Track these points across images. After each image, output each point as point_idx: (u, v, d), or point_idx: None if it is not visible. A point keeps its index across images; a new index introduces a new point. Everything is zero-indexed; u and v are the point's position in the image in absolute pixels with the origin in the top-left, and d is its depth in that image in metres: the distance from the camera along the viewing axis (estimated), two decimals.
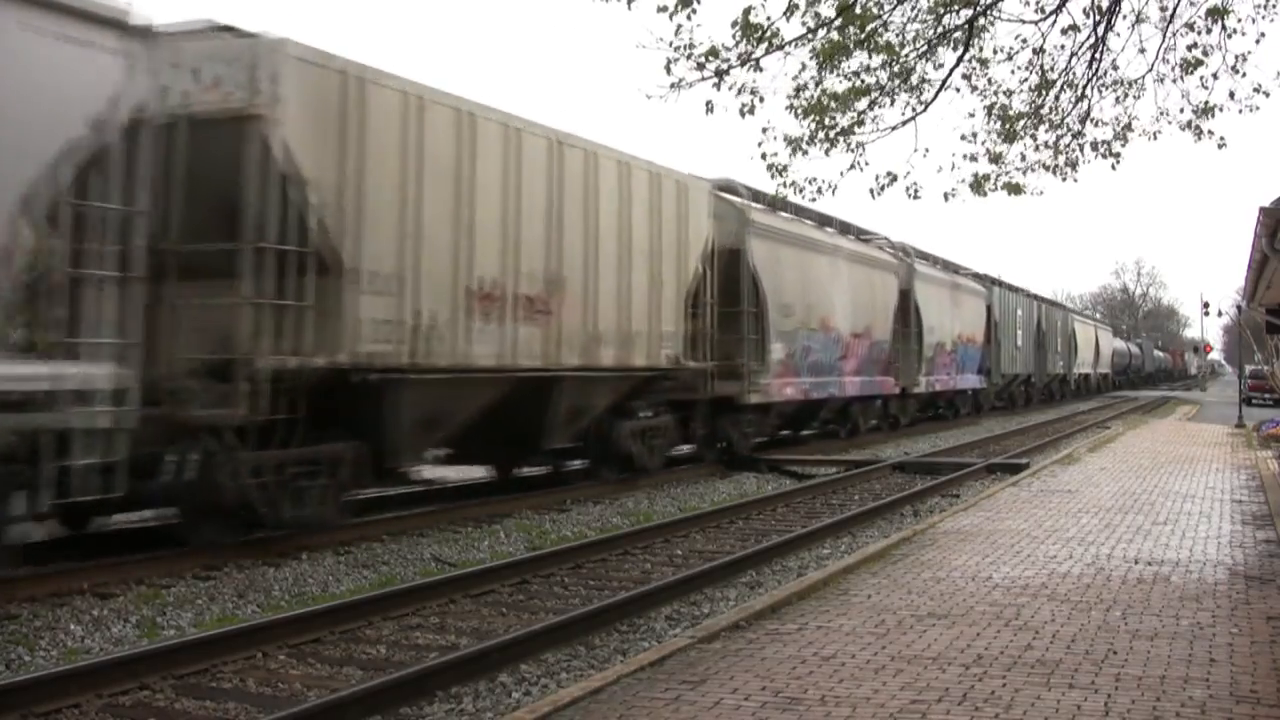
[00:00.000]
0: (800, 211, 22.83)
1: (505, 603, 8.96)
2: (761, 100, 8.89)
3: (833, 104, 9.23)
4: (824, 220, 24.53)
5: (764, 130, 9.30)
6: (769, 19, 8.60)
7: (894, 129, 9.55)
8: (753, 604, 7.89)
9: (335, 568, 10.26)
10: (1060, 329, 49.12)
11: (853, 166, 9.60)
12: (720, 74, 8.71)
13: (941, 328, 30.49)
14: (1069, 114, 10.24)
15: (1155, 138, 10.13)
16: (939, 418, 32.80)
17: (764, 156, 9.37)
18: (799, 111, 9.24)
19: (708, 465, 19.10)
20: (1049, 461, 19.34)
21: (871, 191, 9.85)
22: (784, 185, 9.56)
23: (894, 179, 9.83)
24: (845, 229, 25.73)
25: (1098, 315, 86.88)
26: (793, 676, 6.03)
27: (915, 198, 9.96)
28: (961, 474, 17.75)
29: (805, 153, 9.35)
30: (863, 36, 8.86)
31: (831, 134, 9.31)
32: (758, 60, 8.72)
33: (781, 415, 21.89)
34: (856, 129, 9.38)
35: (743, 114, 8.91)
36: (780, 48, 8.77)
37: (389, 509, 13.23)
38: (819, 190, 9.70)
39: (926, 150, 9.88)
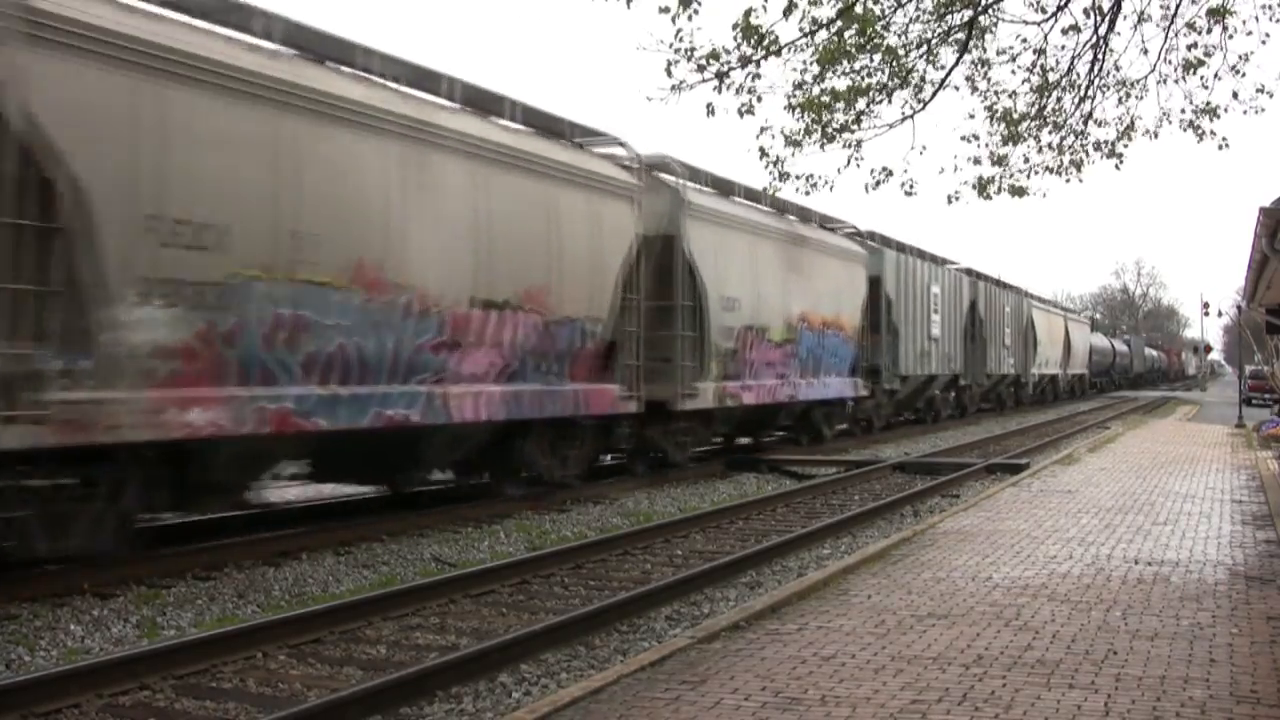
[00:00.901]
0: (339, 49, 11.28)
1: (505, 603, 8.96)
2: (760, 99, 8.92)
3: (831, 101, 9.25)
4: (420, 77, 12.27)
5: (763, 129, 9.33)
6: (769, 24, 8.61)
7: (891, 127, 9.56)
8: (753, 604, 7.89)
9: (335, 568, 10.26)
10: (1010, 317, 39.01)
11: (849, 163, 9.62)
12: (721, 76, 8.72)
13: (760, 302, 19.05)
14: (1071, 115, 10.25)
15: (1156, 136, 10.14)
16: (789, 440, 22.78)
17: (761, 151, 9.39)
18: (797, 108, 9.26)
19: (709, 465, 18.77)
20: (1049, 462, 19.35)
21: (866, 186, 9.88)
22: (780, 179, 9.58)
23: (889, 174, 9.84)
24: (480, 100, 13.13)
25: (1095, 313, 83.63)
26: (793, 676, 6.03)
27: (910, 194, 9.98)
28: (961, 474, 17.74)
29: (801, 147, 9.37)
30: (863, 41, 8.87)
31: (828, 130, 9.33)
32: (758, 62, 8.73)
33: (237, 466, 10.42)
34: (854, 126, 9.40)
35: (741, 114, 8.93)
36: (778, 51, 8.79)
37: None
38: (814, 185, 9.71)
39: (924, 148, 9.89)
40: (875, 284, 25.30)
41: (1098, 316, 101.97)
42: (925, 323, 28.83)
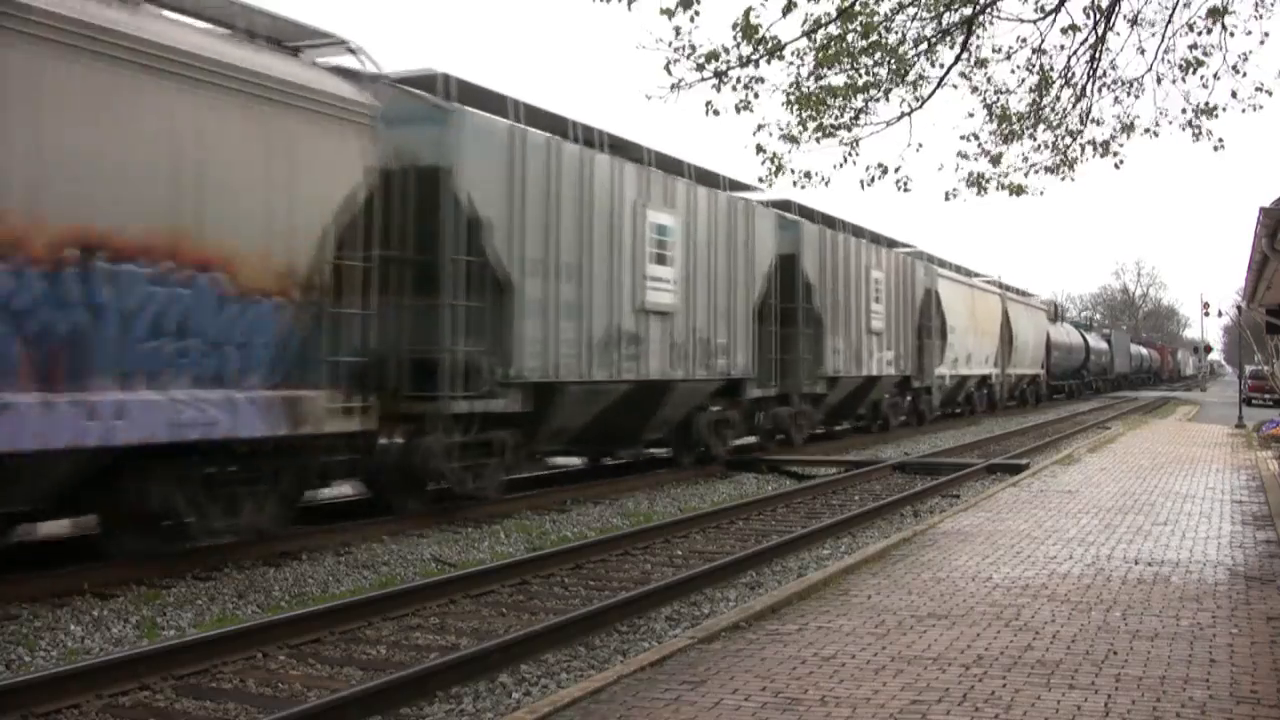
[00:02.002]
0: None
1: (505, 603, 8.96)
2: (756, 96, 8.94)
3: (828, 99, 9.26)
4: None
5: (760, 126, 9.35)
6: (769, 23, 8.62)
7: (888, 124, 9.57)
8: (753, 604, 7.88)
9: (335, 568, 10.26)
10: (890, 289, 25.79)
11: (846, 160, 9.64)
12: (720, 75, 8.73)
13: None
14: (1068, 114, 10.25)
15: (1155, 134, 10.14)
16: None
17: (759, 149, 9.41)
18: (794, 105, 9.27)
19: (709, 465, 18.91)
20: (1049, 462, 19.33)
21: (861, 183, 9.89)
22: (775, 174, 9.60)
23: (884, 170, 9.85)
24: None
25: (1095, 313, 79.96)
26: (793, 677, 6.03)
27: (905, 190, 9.99)
28: (961, 474, 17.73)
29: (798, 143, 9.39)
30: (866, 45, 8.88)
31: (825, 125, 9.35)
32: (757, 62, 8.75)
33: None
34: (852, 124, 9.41)
35: (738, 110, 8.95)
36: (780, 49, 8.79)
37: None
38: (810, 182, 9.74)
39: (920, 145, 9.93)
40: (429, 183, 12.28)
41: (1098, 317, 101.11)
42: (631, 279, 15.40)
